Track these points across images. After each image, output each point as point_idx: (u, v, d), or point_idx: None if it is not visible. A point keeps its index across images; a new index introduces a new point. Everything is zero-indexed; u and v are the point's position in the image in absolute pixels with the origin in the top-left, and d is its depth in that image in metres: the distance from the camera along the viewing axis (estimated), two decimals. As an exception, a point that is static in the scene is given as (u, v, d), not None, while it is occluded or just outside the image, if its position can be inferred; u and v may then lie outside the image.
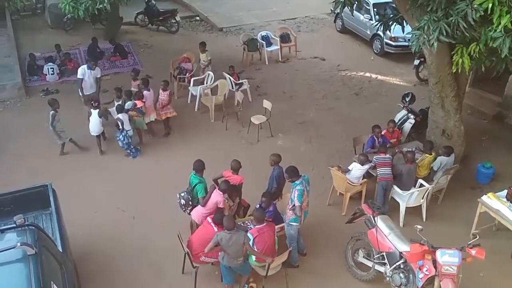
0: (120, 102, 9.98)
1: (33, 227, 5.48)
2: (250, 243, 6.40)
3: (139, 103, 9.94)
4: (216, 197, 7.11)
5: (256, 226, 6.62)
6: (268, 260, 6.44)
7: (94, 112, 9.55)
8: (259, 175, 8.35)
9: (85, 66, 10.58)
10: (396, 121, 9.85)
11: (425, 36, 6.56)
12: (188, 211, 7.51)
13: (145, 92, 10.16)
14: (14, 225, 5.40)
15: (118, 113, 9.67)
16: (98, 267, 7.30)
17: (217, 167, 7.80)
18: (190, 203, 7.47)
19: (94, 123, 9.59)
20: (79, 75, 10.50)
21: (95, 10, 8.95)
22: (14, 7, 11.93)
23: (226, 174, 7.55)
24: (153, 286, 7.11)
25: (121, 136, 9.62)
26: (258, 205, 7.26)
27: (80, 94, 10.58)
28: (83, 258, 7.26)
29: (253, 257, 6.61)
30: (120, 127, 9.56)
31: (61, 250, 6.04)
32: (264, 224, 6.61)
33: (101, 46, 14.37)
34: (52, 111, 9.43)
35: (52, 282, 5.00)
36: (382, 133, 9.08)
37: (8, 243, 5.04)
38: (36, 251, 5.03)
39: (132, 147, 9.83)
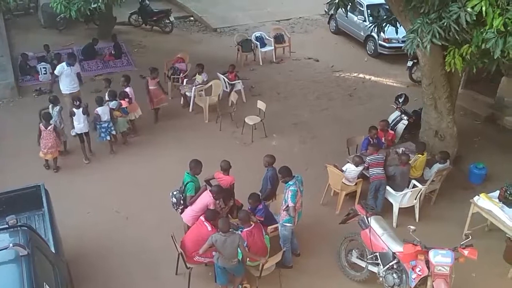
0: (107, 98, 9.97)
1: (26, 228, 5.45)
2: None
3: (124, 103, 9.91)
4: (206, 198, 7.07)
5: (245, 229, 6.61)
6: (262, 261, 6.44)
7: (78, 112, 9.38)
8: (253, 175, 8.35)
9: (64, 64, 10.43)
10: (390, 122, 9.90)
11: (419, 39, 6.60)
12: (180, 210, 7.49)
13: (128, 89, 10.16)
14: (7, 225, 5.36)
15: (98, 105, 9.57)
16: (91, 268, 7.27)
17: (211, 167, 7.77)
18: (182, 202, 7.44)
19: (79, 121, 9.40)
20: (57, 72, 10.42)
21: (87, 11, 8.91)
22: (6, 7, 11.86)
23: (217, 175, 7.53)
24: (147, 287, 7.09)
25: (99, 128, 9.57)
26: (249, 207, 7.26)
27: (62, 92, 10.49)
28: (76, 259, 7.22)
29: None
30: (97, 121, 9.53)
31: (54, 251, 6.01)
32: (252, 226, 6.62)
33: (96, 46, 14.33)
34: (58, 107, 9.42)
35: (44, 283, 4.97)
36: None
37: (0, 244, 5.00)
38: (28, 252, 5.00)
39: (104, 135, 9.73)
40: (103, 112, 9.54)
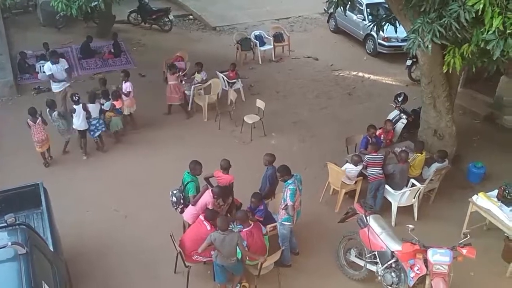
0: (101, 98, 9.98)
1: (24, 226, 5.45)
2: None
3: (117, 104, 9.88)
4: (206, 197, 7.08)
5: (244, 229, 6.61)
6: (261, 260, 6.45)
7: (78, 107, 9.38)
8: (252, 174, 8.35)
9: (49, 63, 10.48)
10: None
11: (420, 39, 6.59)
12: (180, 209, 7.49)
13: (128, 84, 10.14)
14: (5, 224, 5.36)
15: (89, 102, 9.58)
16: (90, 266, 7.27)
17: (210, 166, 7.78)
18: (182, 201, 7.45)
19: (79, 117, 9.41)
20: (47, 72, 10.46)
21: (88, 9, 8.90)
22: (3, 4, 11.86)
23: (217, 174, 7.54)
24: (145, 285, 7.09)
25: (89, 125, 9.57)
26: (249, 206, 7.25)
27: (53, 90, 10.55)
28: (75, 257, 7.22)
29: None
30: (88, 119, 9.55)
31: (52, 250, 6.01)
32: (252, 225, 6.63)
33: (95, 44, 14.32)
34: (55, 112, 9.44)
35: (43, 282, 4.98)
36: (377, 133, 9.10)
37: (-2, 243, 5.01)
38: (27, 251, 5.00)
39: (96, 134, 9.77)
40: (93, 109, 9.55)
